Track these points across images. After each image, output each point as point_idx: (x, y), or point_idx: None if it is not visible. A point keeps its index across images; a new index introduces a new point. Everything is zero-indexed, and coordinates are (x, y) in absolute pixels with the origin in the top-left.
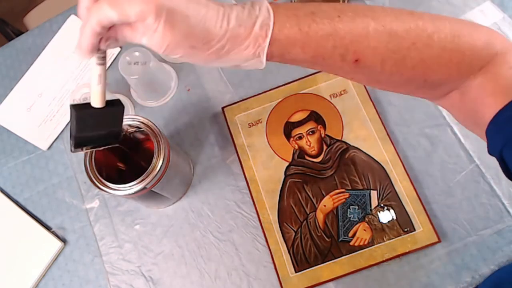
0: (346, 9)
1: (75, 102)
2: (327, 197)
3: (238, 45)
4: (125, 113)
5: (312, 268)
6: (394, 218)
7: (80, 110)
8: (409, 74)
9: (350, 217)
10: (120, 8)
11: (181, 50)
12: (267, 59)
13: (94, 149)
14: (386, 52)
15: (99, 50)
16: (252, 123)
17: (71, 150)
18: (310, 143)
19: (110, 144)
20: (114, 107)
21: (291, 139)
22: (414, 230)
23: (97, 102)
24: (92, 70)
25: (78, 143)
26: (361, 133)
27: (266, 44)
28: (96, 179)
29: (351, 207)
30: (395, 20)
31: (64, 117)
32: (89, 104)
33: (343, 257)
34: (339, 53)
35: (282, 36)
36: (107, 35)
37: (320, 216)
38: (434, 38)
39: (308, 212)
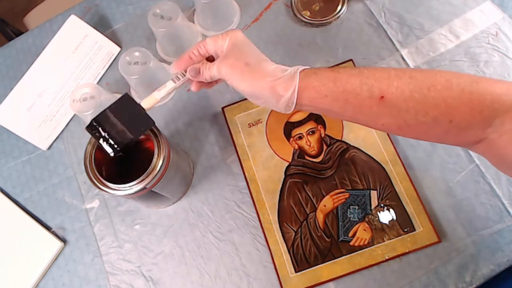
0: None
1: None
2: (327, 197)
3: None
4: None
5: (312, 268)
6: (394, 218)
7: (128, 97)
8: (434, 113)
9: (350, 217)
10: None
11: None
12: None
13: (97, 140)
14: (408, 91)
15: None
16: (252, 123)
17: (87, 126)
18: (310, 143)
19: (115, 144)
20: (149, 119)
21: (291, 139)
22: (414, 230)
23: (146, 104)
24: (167, 82)
25: (99, 120)
26: (361, 133)
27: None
28: (96, 179)
29: (351, 207)
30: (413, 71)
31: (64, 117)
32: (137, 103)
33: (343, 257)
34: (366, 88)
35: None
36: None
37: (320, 216)
38: (452, 82)
39: (308, 212)
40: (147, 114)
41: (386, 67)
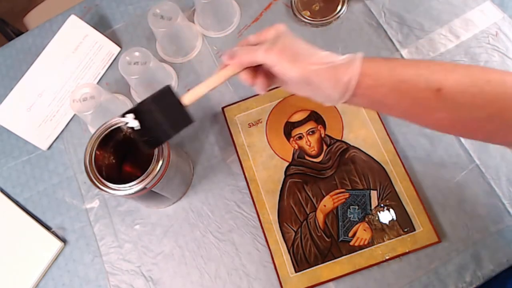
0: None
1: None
2: (327, 197)
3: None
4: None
5: (312, 268)
6: (394, 218)
7: (171, 91)
8: (489, 109)
9: (350, 217)
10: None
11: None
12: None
13: (135, 130)
14: (465, 84)
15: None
16: (252, 123)
17: (123, 112)
18: (310, 143)
19: (155, 139)
20: (189, 115)
21: (291, 139)
22: (414, 230)
23: (188, 99)
24: (211, 78)
25: (139, 109)
26: (361, 133)
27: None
28: (96, 179)
29: (351, 207)
30: (467, 65)
31: (64, 117)
32: (178, 98)
33: (343, 257)
34: (424, 79)
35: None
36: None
37: (320, 216)
38: (505, 79)
39: (308, 212)
40: (187, 111)
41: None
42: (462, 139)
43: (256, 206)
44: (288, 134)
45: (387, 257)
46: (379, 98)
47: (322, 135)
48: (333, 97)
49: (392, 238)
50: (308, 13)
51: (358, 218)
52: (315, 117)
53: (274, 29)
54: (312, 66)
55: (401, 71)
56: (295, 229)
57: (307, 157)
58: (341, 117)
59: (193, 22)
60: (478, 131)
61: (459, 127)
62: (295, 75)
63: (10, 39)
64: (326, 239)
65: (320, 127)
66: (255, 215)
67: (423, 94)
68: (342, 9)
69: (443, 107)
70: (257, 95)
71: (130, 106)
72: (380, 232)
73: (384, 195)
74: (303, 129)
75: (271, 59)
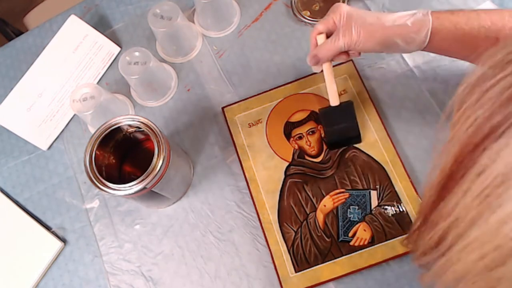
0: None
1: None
2: (327, 197)
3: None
4: (125, 113)
5: (312, 268)
6: (394, 218)
7: (325, 111)
8: None
9: (350, 217)
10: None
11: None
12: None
13: (344, 147)
14: None
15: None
16: (252, 123)
17: (329, 148)
18: (310, 143)
19: (354, 142)
20: (346, 103)
21: (291, 139)
22: None
23: (335, 100)
24: (327, 75)
25: (329, 140)
26: (361, 132)
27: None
28: (96, 179)
29: (351, 207)
30: None
31: (64, 117)
32: (329, 106)
33: (343, 257)
34: (484, 31)
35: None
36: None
37: (320, 216)
38: None
39: (308, 212)
40: (341, 104)
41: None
42: None
43: (256, 206)
44: (288, 134)
45: (387, 257)
46: (445, 48)
47: (322, 135)
48: (407, 51)
49: (392, 238)
50: (308, 13)
51: (358, 218)
52: (315, 117)
53: (338, 11)
54: (388, 30)
55: (464, 24)
56: (295, 229)
57: (307, 157)
58: None
59: (193, 22)
60: None
61: None
62: (376, 46)
63: (10, 39)
64: (326, 239)
65: (320, 127)
66: (255, 215)
67: (482, 43)
68: None
69: None
70: (257, 95)
71: (130, 106)
72: (380, 232)
73: (384, 195)
74: (303, 129)
75: (351, 42)
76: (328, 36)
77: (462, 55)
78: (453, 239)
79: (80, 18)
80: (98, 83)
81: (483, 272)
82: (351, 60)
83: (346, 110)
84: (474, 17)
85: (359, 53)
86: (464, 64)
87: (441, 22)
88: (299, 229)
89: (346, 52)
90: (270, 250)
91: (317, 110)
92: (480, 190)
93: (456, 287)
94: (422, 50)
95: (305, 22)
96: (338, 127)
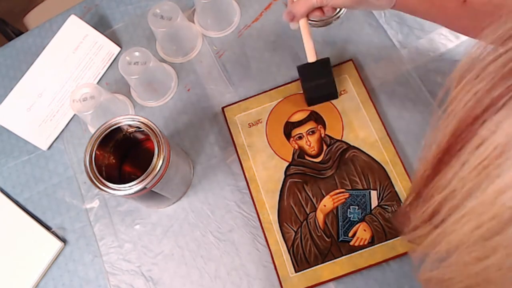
0: None
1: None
2: (327, 197)
3: None
4: (125, 113)
5: (312, 268)
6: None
7: (302, 67)
8: None
9: (350, 217)
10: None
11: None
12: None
13: (322, 102)
14: None
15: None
16: (252, 123)
17: (308, 104)
18: (310, 143)
19: (331, 97)
20: (322, 59)
21: (291, 139)
22: None
23: (312, 57)
24: (303, 31)
25: (308, 95)
26: (361, 133)
27: None
28: (96, 179)
29: (351, 207)
30: None
31: (64, 117)
32: (307, 63)
33: (343, 257)
34: None
35: None
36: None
37: (320, 216)
38: None
39: (308, 212)
40: (317, 61)
41: None
42: None
43: (256, 206)
44: (288, 134)
45: (387, 257)
46: (413, 7)
47: (322, 135)
48: (378, 8)
49: (392, 238)
50: None
51: (358, 218)
52: (315, 117)
53: None
54: None
55: None
56: (295, 229)
57: (307, 157)
58: (341, 117)
59: (193, 22)
60: None
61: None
62: (347, 1)
63: (10, 39)
64: (326, 239)
65: (320, 127)
66: (255, 215)
67: (450, 4)
68: (342, 9)
69: (467, 16)
70: (257, 95)
71: (130, 106)
72: (380, 232)
73: (384, 195)
74: (303, 129)
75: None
76: None
77: (431, 16)
78: (448, 210)
79: (80, 18)
80: (98, 83)
81: (478, 242)
82: (351, 60)
83: (323, 67)
84: None
85: (333, 9)
86: None
87: None
88: (299, 229)
89: (320, 9)
90: (270, 250)
91: (317, 110)
92: (478, 162)
93: (449, 258)
94: (391, 9)
95: None
96: (315, 83)
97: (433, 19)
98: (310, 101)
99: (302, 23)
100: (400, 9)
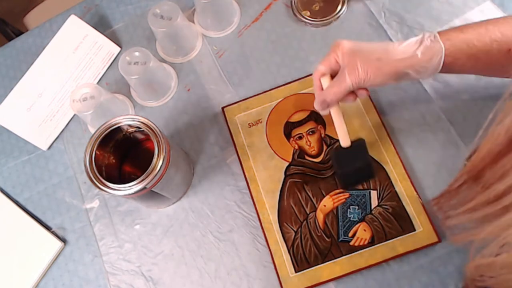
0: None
1: None
2: (327, 197)
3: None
4: (125, 113)
5: (312, 268)
6: (394, 218)
7: (336, 154)
8: None
9: (350, 217)
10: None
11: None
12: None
13: (358, 184)
14: None
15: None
16: (252, 123)
17: (342, 188)
18: (310, 143)
19: (369, 178)
20: (357, 142)
21: (291, 139)
22: (414, 230)
23: (346, 142)
24: (336, 117)
25: (343, 182)
26: (361, 133)
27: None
28: (96, 179)
29: (351, 207)
30: None
31: (64, 117)
32: (340, 148)
33: (343, 257)
34: (496, 45)
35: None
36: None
37: (320, 216)
38: None
39: (308, 212)
40: (353, 143)
41: (507, 16)
42: (462, 140)
43: (256, 206)
44: (288, 134)
45: (387, 257)
46: (458, 68)
47: (322, 135)
48: (419, 79)
49: (392, 238)
50: (308, 13)
51: (358, 218)
52: (315, 117)
53: (339, 49)
54: (398, 65)
55: (476, 43)
56: (295, 229)
57: (307, 157)
58: None
59: (193, 22)
60: None
61: None
62: (386, 80)
63: (10, 39)
64: (326, 239)
65: (320, 127)
66: (255, 215)
67: (495, 57)
68: (342, 9)
69: None
70: (257, 95)
71: (130, 106)
72: (380, 232)
73: (384, 195)
74: (303, 129)
75: (359, 81)
76: (332, 76)
77: (477, 70)
78: None
79: (80, 18)
80: (98, 83)
81: None
82: None
83: (358, 149)
84: (484, 32)
85: (367, 91)
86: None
87: (452, 43)
88: (299, 229)
89: (353, 93)
90: (270, 250)
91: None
92: None
93: None
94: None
95: (305, 22)
96: (352, 168)
97: (479, 73)
98: (345, 186)
99: (334, 108)
100: (445, 72)
